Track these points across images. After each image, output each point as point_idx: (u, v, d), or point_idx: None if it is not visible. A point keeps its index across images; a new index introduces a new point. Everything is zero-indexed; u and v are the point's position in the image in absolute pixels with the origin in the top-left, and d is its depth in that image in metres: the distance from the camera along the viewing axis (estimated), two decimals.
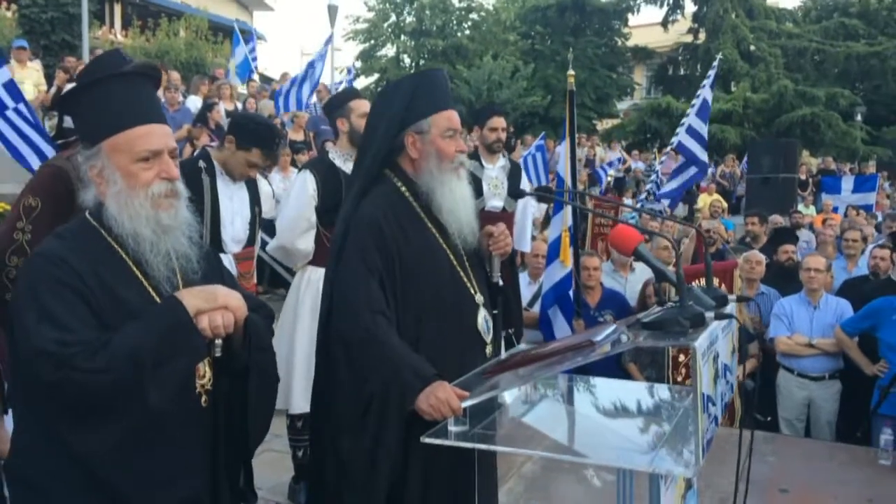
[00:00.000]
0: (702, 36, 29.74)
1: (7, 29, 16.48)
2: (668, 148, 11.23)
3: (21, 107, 6.69)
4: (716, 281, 5.62)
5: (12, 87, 6.71)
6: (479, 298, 2.57)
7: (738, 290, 5.84)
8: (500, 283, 2.69)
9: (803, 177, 17.22)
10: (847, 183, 16.05)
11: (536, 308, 6.23)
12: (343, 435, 2.36)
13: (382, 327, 2.32)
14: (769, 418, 5.86)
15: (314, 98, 13.75)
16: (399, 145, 2.53)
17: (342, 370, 2.37)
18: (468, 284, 2.56)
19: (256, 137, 3.75)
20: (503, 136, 5.35)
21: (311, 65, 13.74)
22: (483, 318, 2.56)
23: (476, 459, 2.48)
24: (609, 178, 13.45)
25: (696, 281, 5.15)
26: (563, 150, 6.46)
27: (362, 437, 2.32)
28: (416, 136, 2.51)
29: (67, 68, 10.41)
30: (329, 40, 15.21)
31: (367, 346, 2.30)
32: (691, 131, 9.24)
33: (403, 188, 2.54)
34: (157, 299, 1.89)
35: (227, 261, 3.78)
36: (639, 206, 11.77)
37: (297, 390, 3.89)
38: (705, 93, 9.35)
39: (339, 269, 2.44)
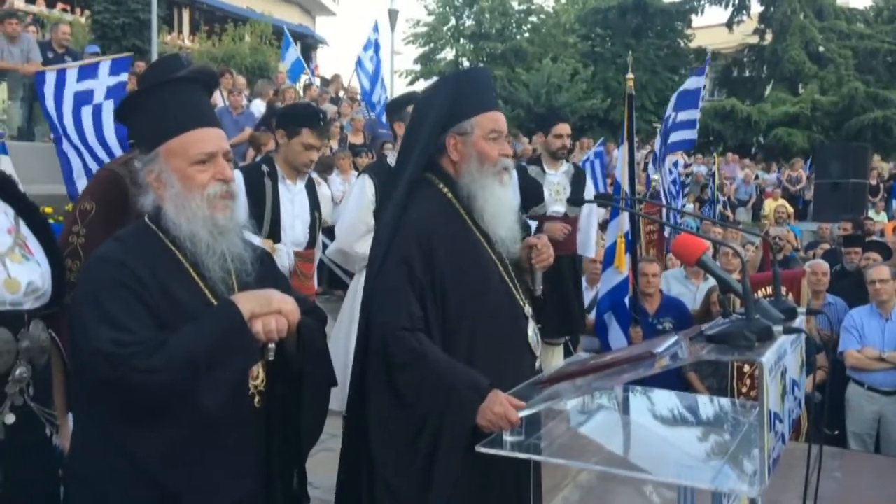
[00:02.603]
0: (768, 37, 28.94)
1: (81, 34, 17.05)
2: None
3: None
4: (783, 290, 5.45)
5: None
6: (527, 310, 2.46)
7: (805, 300, 5.65)
8: (542, 296, 2.55)
9: (874, 182, 16.63)
10: None
11: (593, 314, 6.16)
12: (390, 461, 2.26)
13: (426, 344, 2.21)
14: (836, 432, 5.65)
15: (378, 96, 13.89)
16: (441, 147, 2.41)
17: (383, 393, 2.26)
18: (517, 296, 2.44)
19: (300, 119, 3.78)
20: (568, 142, 5.38)
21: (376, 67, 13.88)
22: (532, 330, 2.46)
23: (531, 469, 2.44)
24: (654, 184, 13.19)
25: (763, 290, 5.02)
26: (620, 154, 6.36)
27: (414, 460, 2.22)
28: (458, 137, 2.39)
29: (138, 73, 10.69)
30: (375, 28, 15.03)
31: (415, 367, 2.20)
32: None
33: (448, 192, 2.42)
34: (213, 300, 1.91)
35: (287, 252, 3.81)
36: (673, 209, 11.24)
37: None
38: (687, 84, 8.09)
39: (379, 280, 2.32)
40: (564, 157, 5.39)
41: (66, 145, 6.79)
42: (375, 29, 14.87)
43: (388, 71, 21.45)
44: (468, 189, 2.39)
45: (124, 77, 6.77)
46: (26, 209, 2.19)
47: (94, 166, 6.46)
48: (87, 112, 6.73)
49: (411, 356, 2.20)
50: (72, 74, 6.84)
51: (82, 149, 6.69)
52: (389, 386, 2.25)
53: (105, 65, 6.85)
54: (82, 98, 6.73)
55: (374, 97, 14.01)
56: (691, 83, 8.01)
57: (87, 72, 6.83)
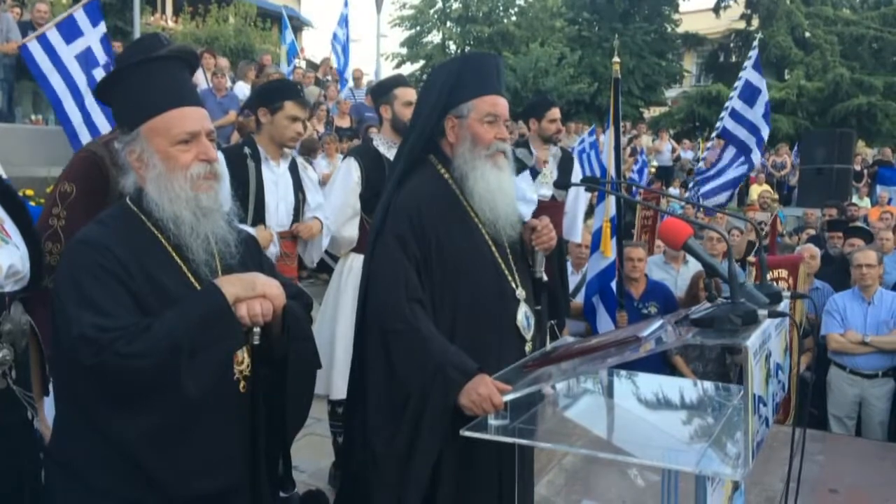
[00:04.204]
0: (755, 22, 28.97)
1: (62, 13, 16.76)
2: (714, 134, 10.96)
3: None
4: (784, 274, 5.51)
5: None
6: (520, 293, 2.47)
7: (804, 284, 5.68)
8: (544, 278, 2.58)
9: (858, 168, 16.71)
10: None
11: (579, 298, 6.19)
12: (378, 430, 2.30)
13: (421, 318, 2.25)
14: (816, 411, 5.71)
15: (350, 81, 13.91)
16: (441, 129, 2.46)
17: (378, 361, 2.31)
18: (510, 278, 2.46)
19: (280, 92, 3.76)
20: (561, 126, 5.42)
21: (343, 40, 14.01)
22: (524, 314, 2.46)
23: (517, 453, 2.44)
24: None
25: (775, 272, 5.14)
26: (606, 139, 6.39)
27: (398, 433, 2.25)
28: (456, 119, 2.43)
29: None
30: (345, 3, 15.20)
31: (406, 338, 2.23)
32: (736, 115, 9.01)
33: (446, 174, 2.46)
34: (196, 284, 1.89)
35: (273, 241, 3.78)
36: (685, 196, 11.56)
37: (337, 376, 3.89)
38: (747, 74, 9.03)
39: (375, 254, 2.38)
40: (557, 142, 5.43)
41: (69, 106, 6.79)
42: (346, 3, 14.96)
43: (375, 53, 21.38)
44: (461, 170, 2.43)
45: (103, 26, 6.79)
46: (3, 192, 2.16)
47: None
48: (99, 74, 6.72)
49: (404, 326, 2.24)
50: (54, 37, 6.83)
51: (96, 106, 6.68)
52: (384, 357, 2.29)
53: (81, 15, 6.84)
54: (88, 61, 6.72)
55: (347, 73, 14.06)
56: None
57: (70, 30, 6.83)
